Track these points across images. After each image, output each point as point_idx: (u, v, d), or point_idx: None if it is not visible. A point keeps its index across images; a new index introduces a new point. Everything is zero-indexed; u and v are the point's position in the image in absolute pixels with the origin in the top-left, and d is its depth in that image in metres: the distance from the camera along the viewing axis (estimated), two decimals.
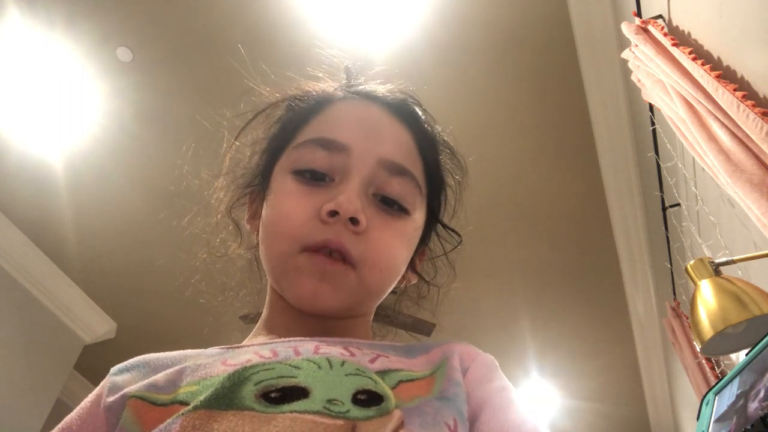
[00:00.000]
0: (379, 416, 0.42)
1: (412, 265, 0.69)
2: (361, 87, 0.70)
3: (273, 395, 0.42)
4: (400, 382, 0.47)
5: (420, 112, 0.70)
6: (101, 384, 0.53)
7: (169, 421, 0.41)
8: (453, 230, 0.75)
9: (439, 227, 0.74)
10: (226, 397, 0.42)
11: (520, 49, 2.51)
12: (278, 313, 0.63)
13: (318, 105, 0.67)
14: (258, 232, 0.66)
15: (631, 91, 2.38)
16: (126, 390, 0.48)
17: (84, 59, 2.51)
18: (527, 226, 3.19)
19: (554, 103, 2.68)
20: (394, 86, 0.71)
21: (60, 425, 0.51)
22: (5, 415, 2.94)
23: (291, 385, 0.43)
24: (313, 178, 0.59)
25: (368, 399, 0.43)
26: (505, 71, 2.59)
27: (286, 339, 0.55)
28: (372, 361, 0.50)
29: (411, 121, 0.67)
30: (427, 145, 0.68)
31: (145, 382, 0.48)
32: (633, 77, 1.85)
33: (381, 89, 0.69)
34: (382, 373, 0.48)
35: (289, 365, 0.46)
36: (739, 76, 1.31)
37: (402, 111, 0.67)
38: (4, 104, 2.64)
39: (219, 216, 0.79)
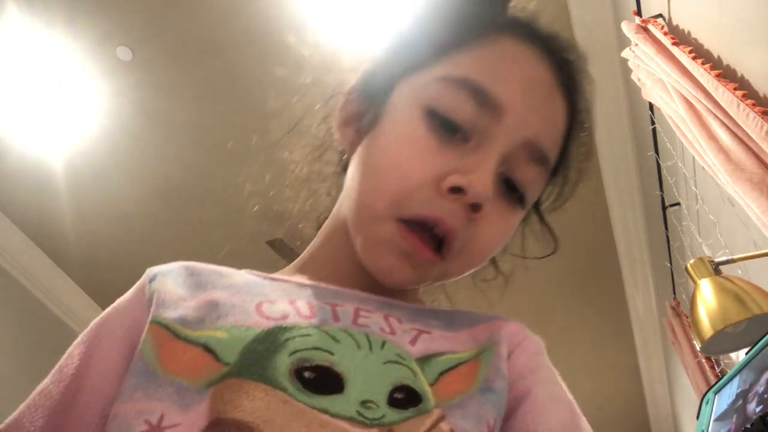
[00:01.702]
0: (417, 416, 0.39)
1: None
2: (532, 23, 0.55)
3: (307, 375, 0.39)
4: (441, 374, 0.43)
5: (584, 83, 0.58)
6: (140, 282, 0.50)
7: (197, 385, 0.38)
8: (551, 232, 0.65)
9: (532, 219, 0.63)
10: (259, 365, 0.39)
11: None
12: (331, 249, 0.55)
13: (483, 27, 0.52)
14: (350, 146, 0.55)
15: (631, 90, 2.38)
16: (157, 312, 0.45)
17: (84, 58, 2.51)
18: None
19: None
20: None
21: (103, 315, 0.49)
22: (4, 415, 2.94)
23: (326, 365, 0.40)
24: (447, 128, 0.48)
25: (406, 398, 0.40)
26: None
27: (327, 286, 0.50)
28: (413, 341, 0.45)
29: (574, 98, 0.56)
30: (573, 131, 0.57)
31: (175, 314, 0.44)
32: (633, 76, 1.85)
33: (553, 33, 0.55)
34: (423, 360, 0.44)
35: (327, 334, 0.42)
36: (739, 75, 1.31)
37: (570, 82, 0.55)
38: (4, 104, 2.64)
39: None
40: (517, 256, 0.65)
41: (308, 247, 0.59)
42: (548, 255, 0.66)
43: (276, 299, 0.47)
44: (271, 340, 0.41)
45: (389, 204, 0.47)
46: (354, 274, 0.52)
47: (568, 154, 0.57)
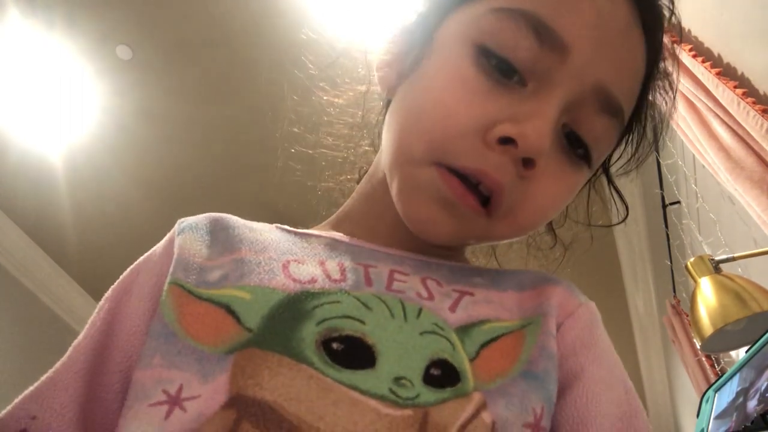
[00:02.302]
0: (454, 398, 0.35)
1: None
2: None
3: (335, 346, 0.35)
4: (483, 346, 0.39)
5: (663, 20, 0.49)
6: (169, 234, 0.48)
7: (218, 351, 0.35)
8: (620, 194, 0.58)
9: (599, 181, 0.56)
10: (283, 335, 0.36)
11: None
12: (369, 204, 0.51)
13: None
14: (391, 90, 0.49)
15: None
16: (177, 272, 0.42)
17: (84, 57, 2.51)
18: None
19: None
20: None
21: (132, 267, 0.46)
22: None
23: (357, 336, 0.36)
24: (502, 70, 0.41)
25: (442, 375, 0.36)
26: None
27: (357, 243, 0.47)
28: (453, 306, 0.41)
29: (654, 37, 0.47)
30: (653, 78, 0.49)
31: (196, 275, 0.41)
32: None
33: None
34: (464, 329, 0.39)
35: (358, 300, 0.39)
36: (739, 73, 1.31)
37: (652, 18, 0.46)
38: (4, 103, 2.63)
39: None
40: (580, 223, 0.57)
41: (346, 202, 0.54)
42: (615, 224, 0.59)
43: (305, 259, 0.43)
44: (297, 307, 0.38)
45: (430, 148, 0.42)
46: (392, 231, 0.48)
47: (645, 105, 0.50)
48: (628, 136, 0.52)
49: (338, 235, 0.48)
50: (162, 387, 0.35)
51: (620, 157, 0.55)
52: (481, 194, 0.41)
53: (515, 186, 0.41)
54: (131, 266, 0.47)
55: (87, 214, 3.14)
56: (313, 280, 0.40)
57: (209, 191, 3.01)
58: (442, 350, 0.37)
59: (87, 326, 0.43)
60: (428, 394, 0.34)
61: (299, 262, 0.43)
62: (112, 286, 0.45)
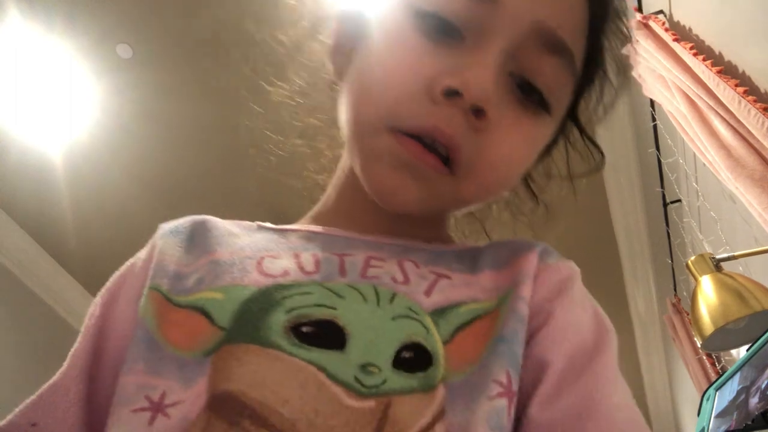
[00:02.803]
0: (421, 391, 0.34)
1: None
2: None
3: (305, 330, 0.35)
4: (458, 329, 0.38)
5: None
6: (152, 239, 0.47)
7: (196, 355, 0.36)
8: (594, 142, 0.56)
9: (573, 132, 0.56)
10: (250, 325, 0.36)
11: None
12: (344, 191, 0.51)
13: None
14: (342, 74, 0.49)
15: (632, 86, 2.37)
16: (155, 277, 0.42)
17: (84, 56, 2.51)
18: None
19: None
20: None
21: (119, 272, 0.47)
22: (4, 413, 2.95)
23: (328, 318, 0.36)
24: (439, 29, 0.41)
25: (414, 358, 0.36)
26: None
27: (335, 233, 0.47)
28: (429, 290, 0.40)
29: None
30: (602, 12, 0.48)
31: (172, 280, 0.42)
32: (634, 73, 1.84)
33: None
34: (439, 312, 0.39)
35: (330, 291, 0.38)
36: (740, 71, 1.30)
37: None
38: (4, 101, 2.63)
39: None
40: (558, 177, 0.57)
41: (323, 196, 0.54)
42: (593, 172, 0.57)
43: (280, 254, 0.43)
44: (266, 299, 0.38)
45: (382, 115, 0.42)
46: (369, 217, 0.48)
47: (599, 44, 0.49)
48: (591, 83, 0.51)
49: (316, 228, 0.48)
50: (144, 393, 0.35)
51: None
52: (440, 154, 0.41)
53: (471, 140, 0.41)
54: (118, 272, 0.47)
55: (87, 212, 3.14)
56: (285, 273, 0.40)
57: (209, 190, 3.01)
58: (416, 333, 0.37)
59: (81, 332, 0.43)
60: (396, 380, 0.34)
61: (274, 258, 0.43)
62: (101, 292, 0.46)
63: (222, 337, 0.36)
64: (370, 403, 0.33)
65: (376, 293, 0.39)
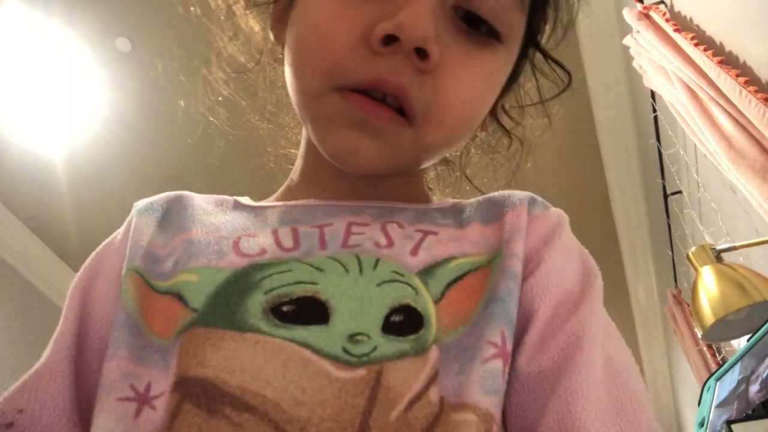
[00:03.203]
0: (414, 354, 0.33)
1: (491, 108, 0.51)
2: None
3: (285, 309, 0.34)
4: (449, 286, 0.37)
5: None
6: (129, 217, 0.46)
7: (169, 340, 0.35)
8: (558, 63, 0.54)
9: (537, 58, 0.53)
10: (227, 309, 0.35)
11: None
12: (309, 162, 0.49)
13: None
14: (282, 42, 0.48)
15: (633, 77, 2.36)
16: (133, 259, 0.41)
17: (83, 50, 2.50)
18: None
19: (555, 89, 2.67)
20: None
21: (95, 253, 0.45)
22: None
23: (309, 295, 0.35)
24: None
25: (405, 321, 0.34)
26: None
27: (314, 203, 0.45)
28: (415, 249, 0.39)
29: None
30: None
31: (149, 261, 0.41)
32: (634, 63, 1.84)
33: None
34: (427, 271, 0.38)
35: (311, 266, 0.37)
36: (741, 61, 1.30)
37: None
38: (4, 97, 2.63)
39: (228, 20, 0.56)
40: (528, 106, 0.54)
41: (294, 166, 0.53)
42: (562, 92, 0.55)
43: (257, 232, 0.42)
44: (243, 281, 0.36)
45: (324, 75, 0.39)
46: (341, 184, 0.46)
47: None
48: (545, 3, 0.49)
49: (292, 202, 0.46)
50: (129, 381, 0.34)
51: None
52: (392, 105, 0.39)
53: (422, 84, 0.39)
54: (94, 252, 0.46)
55: (87, 206, 3.14)
56: (262, 252, 0.39)
57: (209, 183, 3.01)
58: (404, 296, 0.36)
59: (62, 317, 0.42)
60: (387, 345, 0.33)
61: (251, 236, 0.41)
62: (78, 274, 0.44)
63: (192, 318, 0.35)
64: (361, 372, 0.32)
65: (359, 261, 0.37)
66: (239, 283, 0.36)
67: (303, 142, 0.51)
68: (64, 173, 2.96)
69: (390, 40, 0.37)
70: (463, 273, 0.38)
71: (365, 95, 0.39)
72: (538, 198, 0.46)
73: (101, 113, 2.74)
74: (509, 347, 0.35)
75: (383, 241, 0.40)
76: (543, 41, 0.51)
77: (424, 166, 0.48)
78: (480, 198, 0.47)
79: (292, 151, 0.59)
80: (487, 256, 0.40)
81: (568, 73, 0.54)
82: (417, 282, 0.37)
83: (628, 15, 1.69)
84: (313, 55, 0.40)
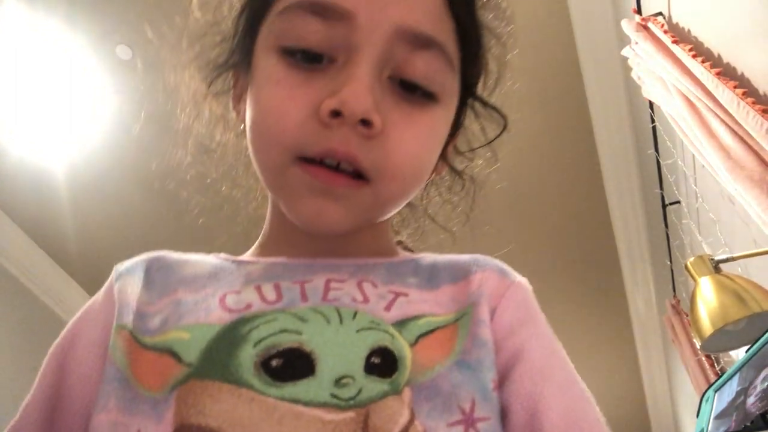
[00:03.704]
0: (393, 394, 0.36)
1: (442, 154, 0.55)
2: None
3: (274, 364, 0.37)
4: (420, 337, 0.41)
5: None
6: (108, 281, 0.48)
7: (165, 393, 0.37)
8: (495, 108, 0.59)
9: (477, 105, 0.58)
10: (221, 362, 0.37)
11: (519, 45, 2.50)
12: (281, 224, 0.52)
13: None
14: (243, 120, 0.52)
15: (631, 88, 2.37)
16: (121, 317, 0.43)
17: (83, 57, 2.51)
18: (527, 224, 3.19)
19: (554, 100, 2.68)
20: None
21: (75, 318, 0.47)
22: (4, 413, 2.94)
23: (295, 346, 0.38)
24: (308, 59, 0.44)
25: (383, 363, 0.38)
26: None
27: (293, 262, 0.48)
28: (388, 306, 0.43)
29: None
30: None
31: (139, 319, 0.43)
32: (633, 74, 1.85)
33: None
34: (400, 323, 0.41)
35: (294, 316, 0.40)
36: (739, 73, 1.31)
37: None
38: (4, 103, 2.63)
39: (192, 107, 0.63)
40: (476, 149, 0.61)
41: (265, 222, 0.56)
42: (500, 134, 0.61)
43: (241, 288, 0.45)
44: (233, 334, 0.39)
45: (281, 151, 0.44)
46: (313, 242, 0.49)
47: (468, 24, 0.51)
48: (476, 58, 0.54)
49: (273, 259, 0.50)
50: (118, 431, 0.37)
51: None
52: (348, 170, 0.43)
53: (370, 148, 0.43)
54: (72, 320, 0.48)
55: (87, 214, 3.14)
56: (248, 306, 0.41)
57: (209, 191, 3.01)
58: (382, 339, 0.39)
59: (34, 386, 0.44)
60: (370, 386, 0.36)
61: (236, 293, 0.44)
62: (56, 342, 0.47)
63: (188, 372, 0.37)
64: (350, 414, 0.35)
65: (339, 313, 0.41)
66: (229, 337, 0.39)
67: (270, 205, 0.55)
68: (63, 180, 2.96)
69: (336, 114, 0.41)
70: (432, 329, 0.42)
71: (322, 165, 0.43)
72: (506, 266, 0.50)
73: (101, 120, 2.74)
74: (478, 413, 0.38)
75: (359, 297, 0.43)
76: (480, 89, 0.57)
77: (386, 217, 0.51)
78: (452, 257, 0.52)
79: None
80: (454, 315, 0.44)
81: (503, 117, 0.60)
82: (392, 330, 0.41)
83: (627, 26, 1.70)
84: (270, 135, 0.44)
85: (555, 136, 2.82)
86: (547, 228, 3.21)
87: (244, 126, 0.51)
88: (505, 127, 0.60)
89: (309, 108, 0.42)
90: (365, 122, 0.42)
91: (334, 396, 0.36)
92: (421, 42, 0.45)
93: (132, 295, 0.45)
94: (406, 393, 0.37)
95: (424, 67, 0.45)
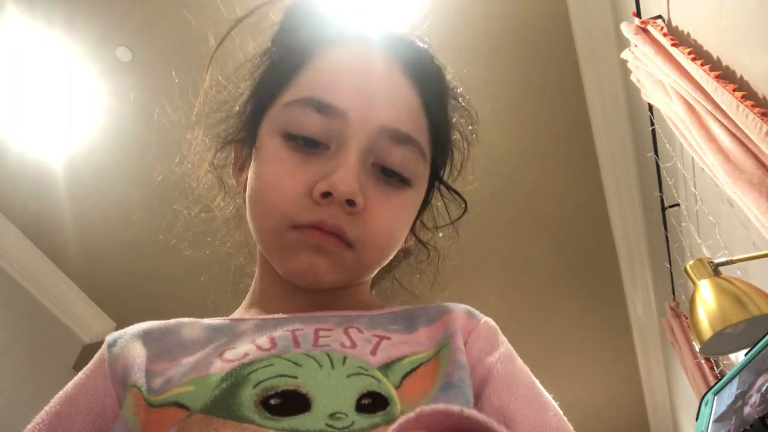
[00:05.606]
0: (385, 423, 0.40)
1: (411, 228, 0.64)
2: (359, 24, 0.62)
3: (273, 402, 0.40)
4: (405, 376, 0.45)
5: (428, 59, 0.63)
6: (99, 352, 0.51)
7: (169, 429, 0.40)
8: (457, 193, 0.69)
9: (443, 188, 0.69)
10: (224, 401, 0.40)
11: (519, 48, 2.51)
12: (271, 282, 0.60)
13: (311, 47, 0.59)
14: (245, 189, 0.61)
15: (631, 91, 2.38)
16: (129, 376, 0.46)
17: (83, 59, 2.51)
18: (526, 226, 3.19)
19: (553, 103, 2.68)
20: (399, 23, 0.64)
21: (60, 395, 0.48)
22: (3, 415, 2.94)
23: (291, 389, 0.41)
24: (307, 144, 0.53)
25: (373, 403, 0.42)
26: (504, 71, 2.59)
27: (284, 316, 0.53)
28: (374, 351, 0.47)
29: (418, 73, 0.60)
30: (435, 101, 0.61)
31: (146, 379, 0.46)
32: (632, 77, 1.85)
33: (383, 26, 0.62)
34: (386, 366, 0.46)
35: (289, 361, 0.44)
36: (738, 76, 1.31)
37: (408, 61, 0.60)
38: (4, 104, 2.63)
39: (202, 173, 0.74)
40: (439, 227, 0.71)
41: (254, 281, 0.63)
42: (461, 216, 0.71)
43: (237, 343, 0.49)
44: (234, 377, 0.43)
45: (280, 220, 0.52)
46: (301, 298, 0.56)
47: (440, 123, 0.62)
48: (445, 150, 0.66)
49: (264, 315, 0.55)
50: None
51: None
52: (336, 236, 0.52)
53: (354, 222, 0.52)
54: (63, 389, 0.49)
55: (86, 215, 3.14)
56: (245, 355, 0.46)
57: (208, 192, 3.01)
58: (370, 384, 0.43)
59: None
60: (362, 421, 0.40)
61: (233, 348, 0.48)
62: (46, 407, 0.47)
63: (191, 411, 0.40)
64: None
65: (330, 358, 0.45)
66: (230, 379, 0.43)
67: (258, 268, 0.62)
68: (63, 181, 2.96)
69: (326, 195, 0.50)
70: (416, 366, 0.47)
71: (315, 228, 0.51)
72: (473, 309, 0.57)
73: (101, 121, 2.74)
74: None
75: (347, 342, 0.48)
76: (445, 176, 0.68)
77: (365, 279, 0.60)
78: (425, 305, 0.58)
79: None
80: (435, 349, 0.50)
81: (464, 201, 0.70)
82: (379, 374, 0.45)
83: (626, 29, 1.70)
84: (270, 205, 0.53)
85: (554, 138, 2.82)
86: (547, 230, 3.21)
87: (244, 190, 0.60)
88: (465, 210, 0.71)
89: (305, 186, 0.51)
90: (350, 202, 0.51)
91: (329, 426, 0.39)
92: (401, 138, 0.55)
93: (138, 355, 0.48)
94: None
95: (401, 158, 0.55)
